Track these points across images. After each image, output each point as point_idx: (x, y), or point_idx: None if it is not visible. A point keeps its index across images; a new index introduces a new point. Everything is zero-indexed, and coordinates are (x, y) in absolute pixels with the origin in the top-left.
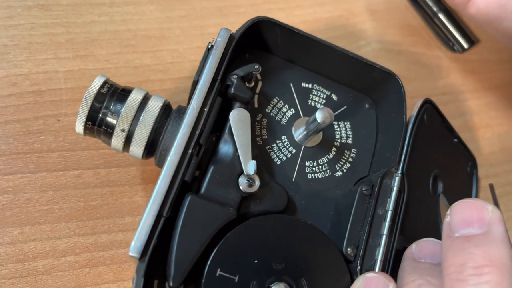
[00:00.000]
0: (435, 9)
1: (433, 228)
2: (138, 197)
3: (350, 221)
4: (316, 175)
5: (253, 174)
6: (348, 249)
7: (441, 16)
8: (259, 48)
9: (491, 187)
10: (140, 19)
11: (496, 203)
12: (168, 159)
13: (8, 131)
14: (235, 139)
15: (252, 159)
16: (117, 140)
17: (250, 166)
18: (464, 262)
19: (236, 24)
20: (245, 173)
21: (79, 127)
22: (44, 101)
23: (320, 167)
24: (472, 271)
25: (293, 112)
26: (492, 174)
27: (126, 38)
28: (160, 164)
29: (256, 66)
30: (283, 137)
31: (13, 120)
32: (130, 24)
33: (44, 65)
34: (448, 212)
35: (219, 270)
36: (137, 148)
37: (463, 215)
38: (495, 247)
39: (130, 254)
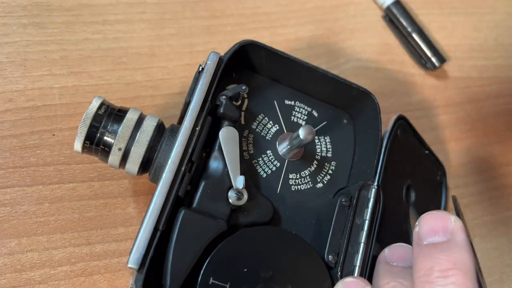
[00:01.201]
0: (409, 29)
1: (405, 235)
2: (131, 209)
3: (331, 230)
4: (299, 186)
5: (242, 188)
6: (329, 256)
7: (414, 36)
8: (246, 68)
9: (454, 198)
10: (132, 37)
11: (458, 214)
12: (163, 176)
13: (5, 145)
14: (224, 156)
15: (241, 174)
16: (114, 158)
17: (239, 181)
18: (431, 266)
19: (223, 42)
20: (234, 187)
21: (78, 146)
22: (39, 116)
23: (303, 179)
24: (439, 273)
25: (277, 128)
26: (461, 184)
27: (118, 55)
28: (154, 180)
29: (244, 87)
30: (268, 152)
31: (10, 135)
32: (122, 42)
33: (39, 82)
34: (417, 223)
35: (211, 278)
36: (133, 165)
37: (430, 225)
38: (458, 252)
39: (129, 265)
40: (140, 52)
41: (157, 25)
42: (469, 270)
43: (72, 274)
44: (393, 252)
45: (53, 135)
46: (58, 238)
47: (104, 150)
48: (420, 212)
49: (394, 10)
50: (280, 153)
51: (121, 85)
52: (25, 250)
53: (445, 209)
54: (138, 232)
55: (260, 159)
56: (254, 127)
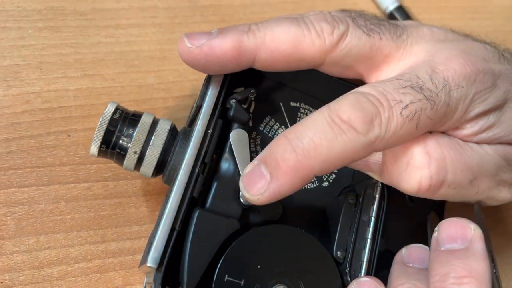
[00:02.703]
0: None
1: (408, 231)
2: (144, 208)
3: (338, 227)
4: (306, 186)
5: None
6: (338, 252)
7: None
8: (252, 71)
9: (476, 207)
10: (144, 41)
11: (479, 222)
12: (178, 177)
13: (23, 146)
14: (235, 157)
15: None
16: (129, 161)
17: None
18: (447, 273)
19: None
20: None
21: (94, 150)
22: (55, 117)
23: None
24: (454, 280)
25: (284, 129)
26: None
27: (130, 58)
28: (169, 181)
29: (252, 91)
30: None
31: (27, 136)
32: (134, 45)
33: (54, 84)
34: (436, 228)
35: (226, 276)
36: (148, 168)
37: (449, 232)
38: (475, 261)
39: (148, 264)
40: (151, 55)
41: (168, 29)
42: (484, 280)
43: (88, 270)
44: (410, 252)
45: (69, 136)
46: (74, 236)
47: (119, 153)
48: (422, 209)
49: (397, 15)
50: None
51: (133, 88)
52: (42, 248)
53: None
54: (156, 232)
55: None
56: (261, 129)
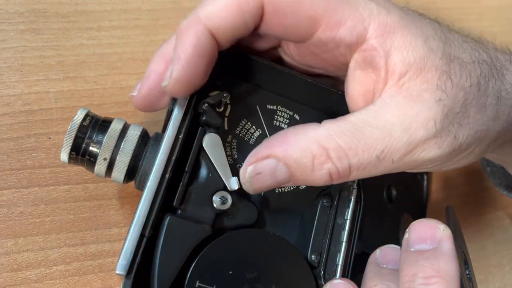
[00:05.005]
0: None
1: (387, 232)
2: (124, 210)
3: (313, 230)
4: (282, 189)
5: (237, 189)
6: (312, 256)
7: None
8: (229, 75)
9: (448, 209)
10: (126, 43)
11: (451, 223)
12: (148, 184)
13: (2, 148)
14: (212, 161)
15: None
16: (100, 168)
17: (232, 182)
18: (415, 273)
19: None
20: (229, 189)
21: (64, 157)
22: (35, 120)
23: None
24: (422, 280)
25: (260, 132)
26: (448, 185)
27: (113, 60)
28: (140, 187)
29: (225, 94)
30: None
31: (7, 138)
32: (116, 48)
33: (35, 86)
34: (407, 229)
35: (198, 282)
36: (119, 174)
37: (419, 233)
38: (443, 261)
39: (117, 272)
40: (134, 57)
41: (151, 31)
42: (451, 279)
43: (67, 273)
44: (384, 253)
45: (49, 138)
46: (53, 239)
47: (90, 160)
48: (402, 210)
49: None
50: None
51: (115, 90)
52: (21, 250)
53: (426, 205)
54: (125, 239)
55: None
56: (237, 132)
